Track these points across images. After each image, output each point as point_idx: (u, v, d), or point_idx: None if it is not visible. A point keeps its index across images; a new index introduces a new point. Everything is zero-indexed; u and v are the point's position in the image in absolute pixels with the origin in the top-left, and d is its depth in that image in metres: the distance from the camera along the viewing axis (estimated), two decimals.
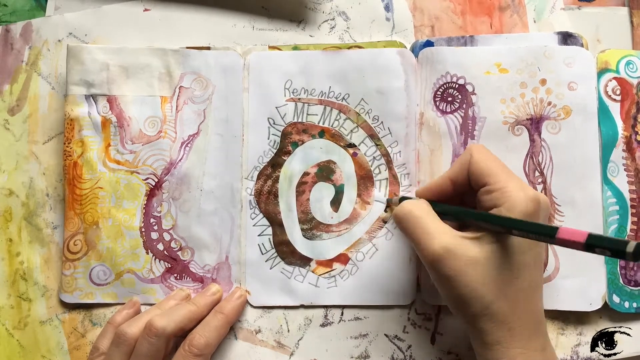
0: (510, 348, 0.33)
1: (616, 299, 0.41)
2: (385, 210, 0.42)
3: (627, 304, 0.41)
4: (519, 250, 0.33)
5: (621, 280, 0.41)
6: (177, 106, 0.44)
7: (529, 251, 0.34)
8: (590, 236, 0.29)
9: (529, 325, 0.33)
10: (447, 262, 0.33)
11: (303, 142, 0.43)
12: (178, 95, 0.44)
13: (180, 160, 0.43)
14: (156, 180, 0.43)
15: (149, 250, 0.43)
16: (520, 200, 0.33)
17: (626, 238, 0.41)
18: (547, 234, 0.30)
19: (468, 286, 0.33)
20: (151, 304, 0.42)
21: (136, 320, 0.39)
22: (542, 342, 0.34)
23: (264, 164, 0.43)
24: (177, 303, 0.41)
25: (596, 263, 0.41)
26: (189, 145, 0.43)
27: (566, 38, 0.43)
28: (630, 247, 0.27)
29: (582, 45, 0.43)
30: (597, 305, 0.40)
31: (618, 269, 0.41)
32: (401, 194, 0.42)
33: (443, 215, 0.36)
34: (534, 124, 0.42)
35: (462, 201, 0.38)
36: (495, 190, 0.34)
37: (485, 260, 0.33)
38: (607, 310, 0.41)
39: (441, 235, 0.34)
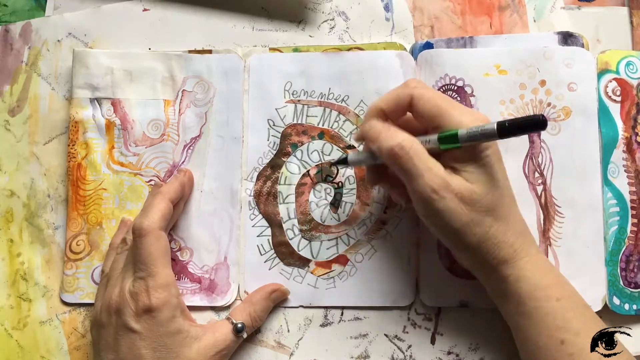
0: (517, 260, 0.37)
1: (616, 301, 0.42)
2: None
3: (627, 306, 0.42)
4: (495, 168, 0.36)
5: (621, 282, 0.42)
6: (179, 109, 0.46)
7: (498, 163, 0.37)
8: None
9: (523, 234, 0.37)
10: (445, 193, 0.35)
11: (302, 144, 0.45)
12: (181, 99, 0.46)
13: (182, 162, 0.45)
14: (159, 182, 0.45)
15: None
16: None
17: (626, 241, 0.43)
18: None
19: (469, 215, 0.36)
20: None
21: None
22: (535, 245, 0.38)
23: (264, 165, 0.45)
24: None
25: (596, 265, 0.42)
26: (191, 147, 0.46)
27: (566, 38, 0.45)
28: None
29: (582, 45, 0.44)
30: (597, 307, 0.42)
31: (618, 270, 0.42)
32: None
33: None
34: None
35: None
36: (451, 129, 0.36)
37: (479, 190, 0.36)
38: (607, 312, 0.42)
39: (439, 168, 0.36)
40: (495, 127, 0.33)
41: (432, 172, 0.35)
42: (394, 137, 0.36)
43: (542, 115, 0.32)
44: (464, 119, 0.35)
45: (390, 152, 0.36)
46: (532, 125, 0.32)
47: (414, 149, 0.35)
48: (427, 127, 0.37)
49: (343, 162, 0.42)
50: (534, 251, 0.37)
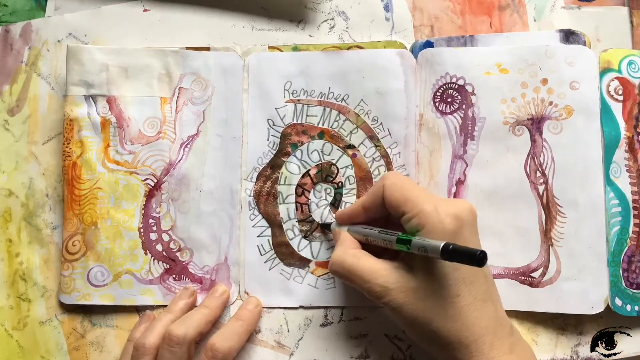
0: None
1: (618, 301, 0.42)
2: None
3: (629, 307, 0.42)
4: (451, 270, 0.35)
5: (623, 283, 0.42)
6: (176, 107, 0.46)
7: (461, 268, 0.35)
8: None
9: (485, 335, 0.35)
10: (389, 298, 0.36)
11: (302, 143, 0.45)
12: (177, 96, 0.46)
13: (179, 161, 0.45)
14: (155, 180, 0.45)
15: (148, 251, 0.45)
16: (436, 222, 0.35)
17: (628, 241, 0.43)
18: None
19: (411, 314, 0.35)
20: (149, 306, 0.45)
21: (152, 330, 0.41)
22: (509, 345, 0.36)
23: (264, 165, 0.45)
24: (186, 303, 0.43)
25: (598, 266, 0.42)
26: (189, 146, 0.45)
27: (568, 36, 0.44)
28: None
29: (584, 44, 0.44)
30: (599, 308, 0.42)
31: (620, 271, 0.42)
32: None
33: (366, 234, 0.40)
34: (535, 124, 0.43)
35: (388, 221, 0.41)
36: (413, 216, 0.36)
37: (421, 288, 0.36)
38: (609, 313, 0.42)
39: (376, 276, 0.36)
40: (440, 248, 0.32)
41: (367, 281, 0.37)
42: (334, 257, 0.38)
43: (481, 251, 0.31)
44: (426, 207, 0.36)
45: (332, 272, 0.39)
46: (470, 259, 0.31)
47: (345, 265, 0.38)
48: (396, 216, 0.38)
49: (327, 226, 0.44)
50: (500, 352, 0.35)
